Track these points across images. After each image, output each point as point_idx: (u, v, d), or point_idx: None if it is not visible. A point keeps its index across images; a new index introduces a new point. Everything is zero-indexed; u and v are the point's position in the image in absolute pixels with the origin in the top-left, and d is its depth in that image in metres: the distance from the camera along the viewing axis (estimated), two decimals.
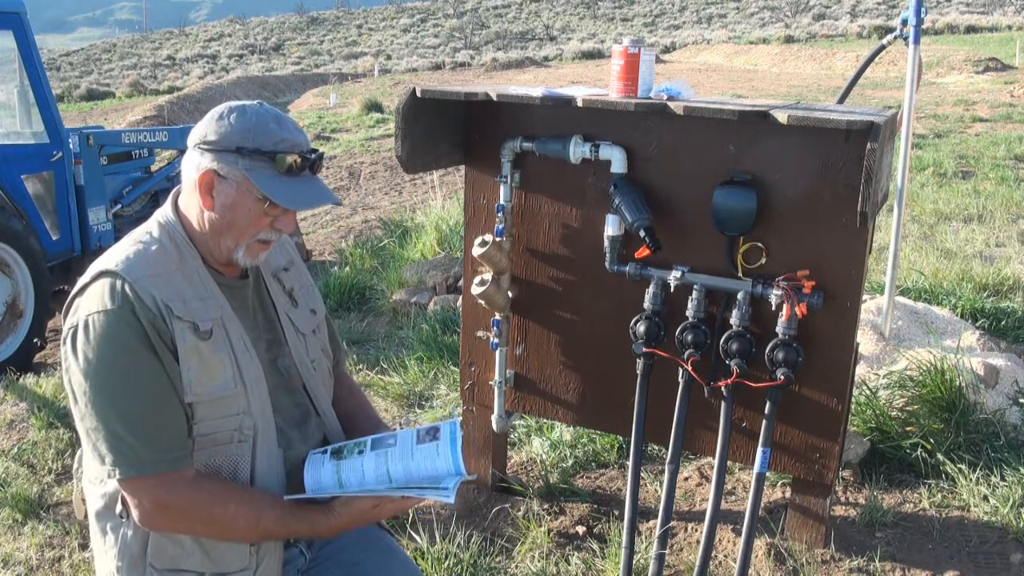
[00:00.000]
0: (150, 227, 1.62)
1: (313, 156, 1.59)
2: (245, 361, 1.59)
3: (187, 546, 1.56)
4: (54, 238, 5.48)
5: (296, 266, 1.84)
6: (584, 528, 2.78)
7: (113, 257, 1.54)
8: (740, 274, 2.41)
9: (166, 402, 1.49)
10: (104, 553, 1.61)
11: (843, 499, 2.92)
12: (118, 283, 1.49)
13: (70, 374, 1.50)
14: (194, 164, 1.57)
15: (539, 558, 2.63)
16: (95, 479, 1.60)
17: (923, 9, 3.62)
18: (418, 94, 2.51)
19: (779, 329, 2.36)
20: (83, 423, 1.50)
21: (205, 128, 1.56)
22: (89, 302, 1.50)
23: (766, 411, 2.41)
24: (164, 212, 1.63)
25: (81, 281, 1.54)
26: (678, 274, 2.45)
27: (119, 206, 6.08)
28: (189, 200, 1.60)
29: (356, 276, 5.75)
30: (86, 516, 1.64)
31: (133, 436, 1.47)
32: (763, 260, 2.40)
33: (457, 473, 1.54)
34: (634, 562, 2.45)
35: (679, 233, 2.48)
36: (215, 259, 1.62)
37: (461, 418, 1.58)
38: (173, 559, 1.57)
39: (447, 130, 2.68)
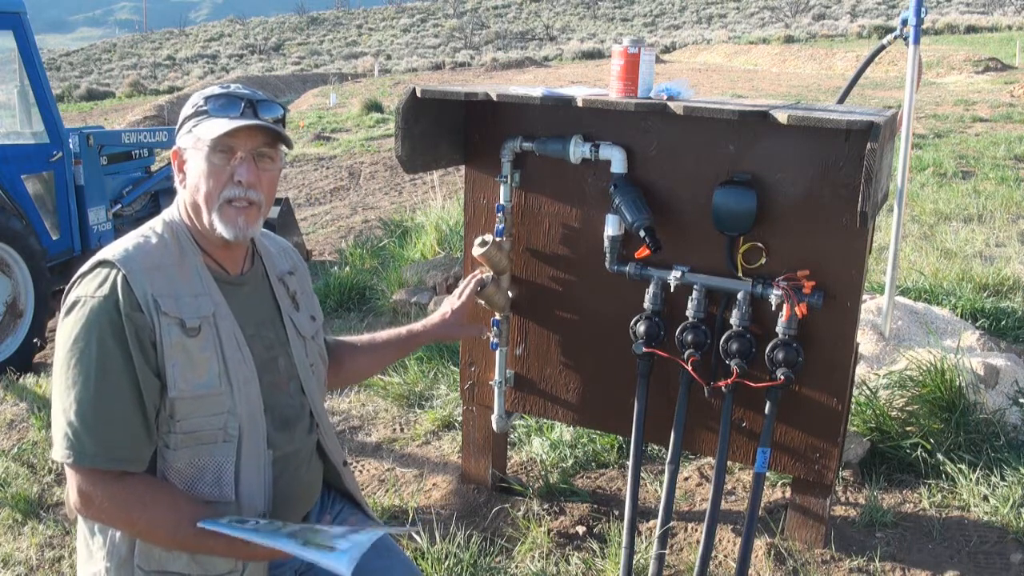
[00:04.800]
0: (155, 223, 1.66)
1: (249, 93, 1.62)
2: (235, 361, 1.59)
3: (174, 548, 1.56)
4: (54, 238, 5.48)
5: (300, 272, 1.87)
6: (584, 528, 2.78)
7: (114, 248, 1.57)
8: (740, 274, 2.41)
9: (123, 401, 1.50)
10: (91, 554, 1.62)
11: (843, 499, 2.92)
12: (112, 273, 1.52)
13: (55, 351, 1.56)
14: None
15: (539, 558, 2.63)
16: None
17: (923, 9, 3.62)
18: (418, 94, 2.51)
19: (779, 329, 2.36)
20: (53, 400, 1.54)
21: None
22: (81, 288, 1.54)
23: (766, 411, 2.41)
24: (170, 210, 1.68)
25: (81, 269, 1.57)
26: (678, 274, 2.45)
27: (119, 206, 6.09)
28: (181, 190, 1.67)
29: (356, 276, 5.75)
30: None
31: (82, 425, 1.48)
32: (763, 260, 2.40)
33: (354, 546, 1.42)
34: (634, 562, 2.45)
35: (679, 233, 2.48)
36: (213, 246, 1.65)
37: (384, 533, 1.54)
38: (160, 561, 1.57)
39: (447, 130, 2.68)
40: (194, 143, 1.60)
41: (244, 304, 1.67)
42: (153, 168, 6.61)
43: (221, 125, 1.57)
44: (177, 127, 1.66)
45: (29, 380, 4.45)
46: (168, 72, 46.69)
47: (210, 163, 1.58)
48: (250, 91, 1.66)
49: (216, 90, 1.63)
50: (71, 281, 1.57)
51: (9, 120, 5.84)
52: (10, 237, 4.91)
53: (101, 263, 1.55)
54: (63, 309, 1.54)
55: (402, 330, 2.18)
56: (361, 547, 1.41)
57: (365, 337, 2.14)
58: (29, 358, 5.07)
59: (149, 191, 6.40)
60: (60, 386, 1.51)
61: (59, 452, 1.50)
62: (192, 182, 1.61)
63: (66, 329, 1.51)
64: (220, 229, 1.60)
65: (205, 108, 1.61)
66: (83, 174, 5.63)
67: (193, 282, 1.58)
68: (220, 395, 1.57)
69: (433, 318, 2.26)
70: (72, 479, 1.52)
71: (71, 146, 5.55)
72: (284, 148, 1.68)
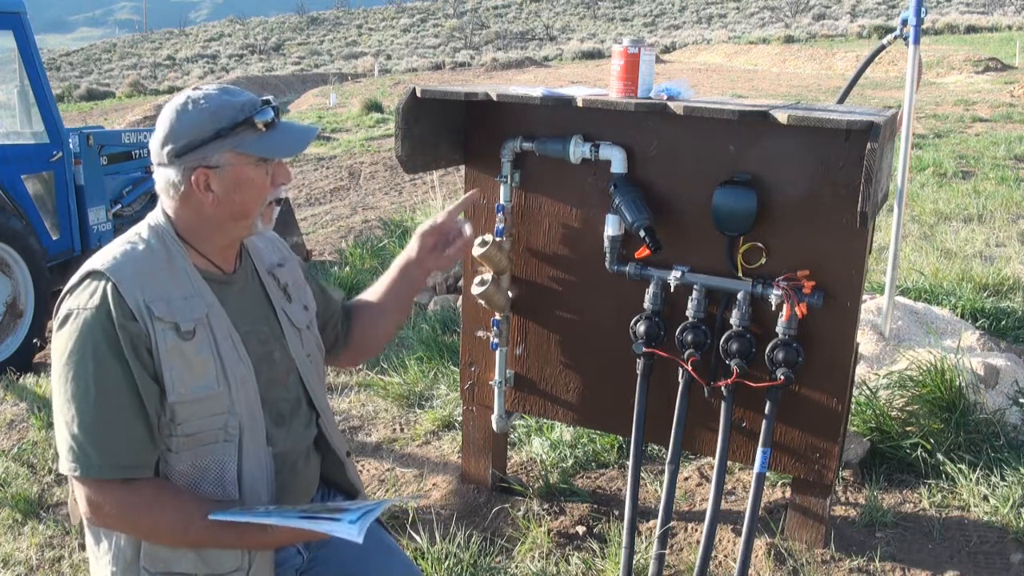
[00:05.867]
0: (140, 228, 1.63)
1: (275, 103, 1.63)
2: (231, 360, 1.59)
3: (179, 549, 1.56)
4: (54, 238, 5.48)
5: (289, 263, 1.86)
6: (584, 528, 2.79)
7: (101, 257, 1.56)
8: (740, 274, 2.42)
9: (124, 410, 1.49)
10: (98, 559, 1.62)
11: (843, 499, 2.92)
12: (102, 283, 1.51)
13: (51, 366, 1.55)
14: (174, 176, 1.56)
15: (539, 558, 2.63)
16: None
17: (923, 9, 3.62)
18: (418, 94, 2.51)
19: (779, 329, 2.37)
20: (54, 413, 1.54)
21: (166, 140, 1.55)
22: (72, 300, 1.53)
23: (766, 411, 2.41)
24: (155, 215, 1.65)
25: (71, 281, 1.56)
26: (678, 274, 2.46)
27: (119, 206, 6.08)
28: (181, 208, 1.60)
29: (356, 276, 5.75)
30: (82, 520, 1.64)
31: (85, 437, 1.48)
32: (763, 260, 2.40)
33: (363, 513, 1.42)
34: (634, 562, 2.45)
35: (679, 233, 2.48)
36: (214, 247, 1.64)
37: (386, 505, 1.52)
38: (166, 562, 1.57)
39: (447, 130, 2.68)
40: (238, 160, 1.56)
41: (236, 301, 1.67)
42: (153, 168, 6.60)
43: (280, 143, 1.58)
44: (185, 146, 1.53)
45: (29, 380, 4.45)
46: (168, 72, 46.69)
47: (257, 175, 1.59)
48: (239, 91, 1.63)
49: (236, 103, 1.56)
50: (62, 293, 1.56)
51: (9, 120, 5.84)
52: (10, 237, 4.91)
53: (90, 273, 1.54)
54: (56, 322, 1.53)
55: (394, 273, 2.02)
56: (370, 514, 1.41)
57: (366, 299, 2.03)
58: (29, 358, 5.07)
59: (149, 191, 6.38)
60: (60, 399, 1.50)
61: (65, 465, 1.50)
62: (234, 198, 1.58)
63: (60, 342, 1.51)
64: (260, 228, 1.66)
65: (245, 121, 1.55)
66: (83, 174, 5.62)
67: (183, 284, 1.58)
68: (219, 396, 1.57)
69: (411, 246, 2.02)
70: (79, 490, 1.52)
71: (71, 146, 5.54)
72: None
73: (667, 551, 2.59)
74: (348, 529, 1.37)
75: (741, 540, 2.37)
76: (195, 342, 1.55)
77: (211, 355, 1.56)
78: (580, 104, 2.41)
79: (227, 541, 1.54)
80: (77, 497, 1.54)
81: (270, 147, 1.58)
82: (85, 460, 1.48)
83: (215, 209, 1.59)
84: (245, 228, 1.64)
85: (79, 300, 1.51)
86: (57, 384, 1.51)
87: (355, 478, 1.91)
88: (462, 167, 2.79)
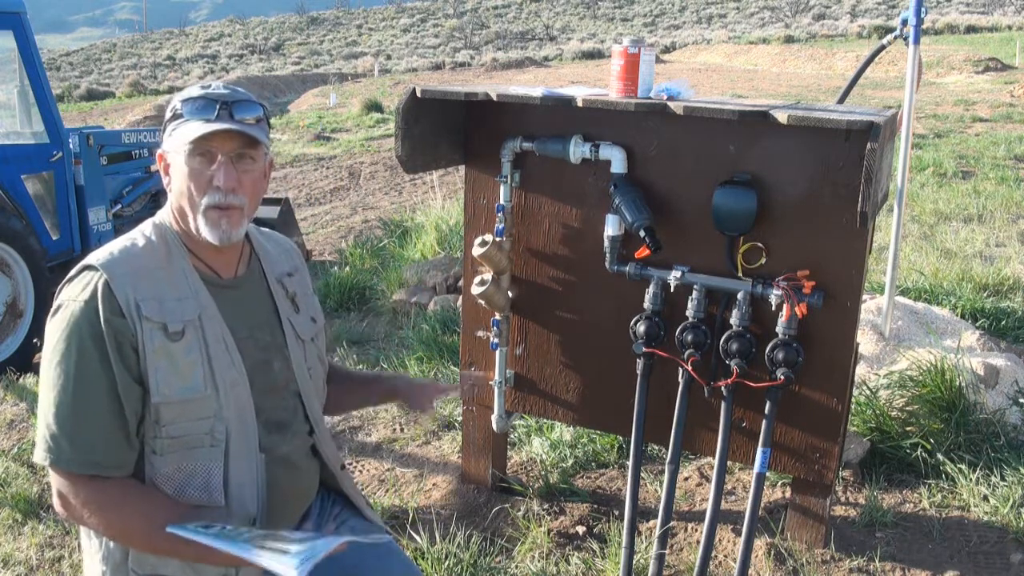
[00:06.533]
0: (144, 226, 1.65)
1: (226, 94, 1.59)
2: (222, 364, 1.58)
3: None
4: (54, 238, 5.47)
5: (300, 273, 1.84)
6: (584, 528, 2.79)
7: (100, 253, 1.57)
8: (740, 274, 2.42)
9: (100, 406, 1.49)
10: (91, 557, 1.62)
11: (843, 499, 2.92)
12: (94, 278, 1.52)
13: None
14: None
15: (539, 558, 2.63)
16: None
17: (923, 9, 3.62)
18: (418, 94, 2.51)
19: (779, 329, 2.37)
20: (39, 402, 1.55)
21: None
22: (65, 292, 1.55)
23: (766, 411, 2.41)
24: (161, 213, 1.66)
25: (69, 274, 1.58)
26: (678, 274, 2.46)
27: (119, 206, 6.08)
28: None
29: (356, 276, 5.75)
30: None
31: (60, 429, 1.49)
32: (763, 260, 2.40)
33: (309, 552, 1.38)
34: (634, 562, 2.45)
35: (679, 233, 2.48)
36: (202, 249, 1.63)
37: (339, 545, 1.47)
38: (153, 565, 1.56)
39: (447, 130, 2.68)
40: (174, 147, 1.58)
41: (237, 306, 1.66)
42: (153, 168, 6.59)
43: (195, 129, 1.54)
44: (161, 129, 1.64)
45: (29, 380, 4.45)
46: (168, 72, 46.67)
47: (190, 168, 1.56)
48: (229, 90, 1.62)
49: (193, 92, 1.60)
50: (61, 285, 1.58)
51: (9, 120, 5.84)
52: (10, 237, 4.90)
53: (86, 268, 1.55)
54: (50, 313, 1.55)
55: (369, 374, 2.11)
56: (316, 554, 1.37)
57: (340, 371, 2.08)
58: (29, 358, 5.06)
59: (149, 191, 6.39)
60: (42, 388, 1.52)
61: (39, 454, 1.52)
62: (176, 186, 1.60)
63: (49, 333, 1.52)
64: (205, 233, 1.59)
65: (181, 112, 1.58)
66: (83, 174, 5.61)
67: (179, 285, 1.57)
68: (205, 400, 1.55)
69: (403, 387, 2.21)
70: (52, 480, 1.54)
71: (71, 146, 5.53)
72: (266, 146, 1.63)
73: (667, 551, 2.59)
74: (287, 569, 1.34)
75: (741, 540, 2.37)
76: (183, 343, 1.54)
77: (199, 358, 1.55)
78: (580, 104, 2.41)
79: (184, 553, 1.52)
80: (53, 489, 1.55)
81: (185, 133, 1.56)
82: (57, 451, 1.49)
83: (171, 196, 1.62)
84: (194, 227, 1.60)
85: (71, 292, 1.53)
86: (43, 372, 1.52)
87: (351, 490, 1.89)
88: (462, 167, 2.79)
